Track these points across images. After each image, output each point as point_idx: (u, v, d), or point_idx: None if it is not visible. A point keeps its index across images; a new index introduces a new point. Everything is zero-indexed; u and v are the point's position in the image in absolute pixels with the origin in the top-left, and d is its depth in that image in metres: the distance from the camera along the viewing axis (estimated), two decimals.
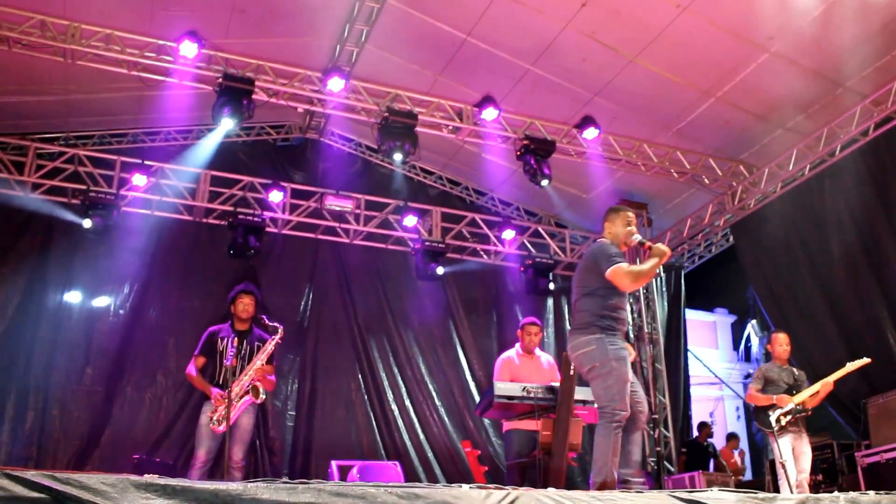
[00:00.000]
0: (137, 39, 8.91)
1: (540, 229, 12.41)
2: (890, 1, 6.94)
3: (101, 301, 10.28)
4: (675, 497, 3.82)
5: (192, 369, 7.21)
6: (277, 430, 10.45)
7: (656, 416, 11.51)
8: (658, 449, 11.01)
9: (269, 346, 7.21)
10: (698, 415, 14.35)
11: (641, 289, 12.17)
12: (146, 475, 3.21)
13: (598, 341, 5.26)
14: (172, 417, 9.87)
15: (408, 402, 11.14)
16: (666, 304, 12.71)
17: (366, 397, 11.05)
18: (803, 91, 9.41)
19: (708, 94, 9.68)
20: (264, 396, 7.19)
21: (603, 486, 5.07)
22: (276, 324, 7.18)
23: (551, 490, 3.71)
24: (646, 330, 12.17)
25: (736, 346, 22.93)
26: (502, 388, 6.07)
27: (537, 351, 7.69)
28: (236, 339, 7.10)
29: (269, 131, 12.12)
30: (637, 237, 5.54)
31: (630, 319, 11.88)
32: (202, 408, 7.09)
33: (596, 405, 5.35)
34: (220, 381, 7.04)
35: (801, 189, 10.40)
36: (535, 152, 9.95)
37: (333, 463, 8.43)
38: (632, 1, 8.48)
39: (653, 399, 11.48)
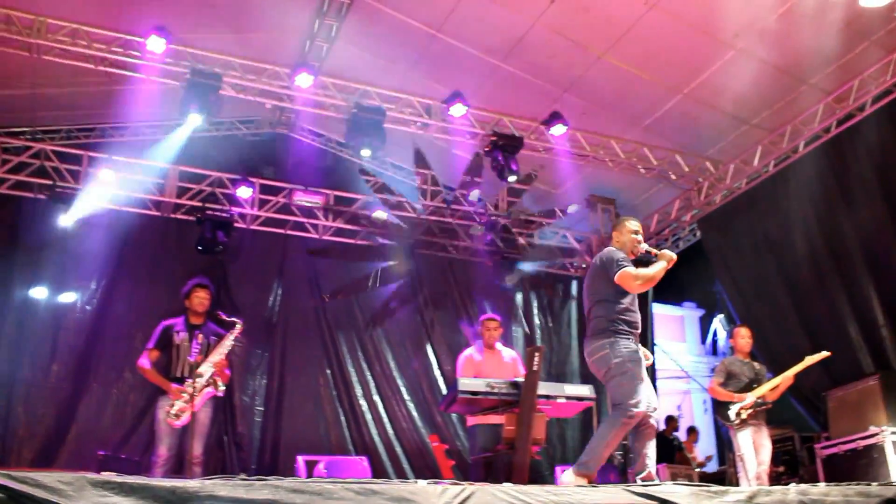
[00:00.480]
0: (104, 34, 8.86)
1: (508, 225, 12.43)
2: (851, 0, 7.06)
3: (68, 297, 10.16)
4: (629, 491, 3.89)
5: (145, 362, 7.18)
6: (245, 426, 10.41)
7: None
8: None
9: (228, 342, 7.22)
10: (666, 408, 14.50)
11: None
12: (103, 473, 3.23)
13: (611, 345, 5.42)
14: (139, 413, 9.79)
15: (376, 397, 11.14)
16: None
17: (334, 392, 11.02)
18: (768, 88, 9.50)
19: (675, 91, 9.76)
20: (224, 388, 7.19)
21: (583, 468, 5.17)
22: (234, 318, 7.19)
23: (507, 485, 3.76)
24: None
25: (703, 340, 23.19)
26: (466, 383, 6.10)
27: (498, 345, 7.76)
28: (200, 334, 7.10)
29: (238, 126, 12.06)
30: (644, 246, 5.73)
31: None
32: (157, 403, 7.07)
33: (612, 403, 5.42)
34: (178, 375, 7.03)
35: (766, 184, 10.54)
36: (503, 148, 10.00)
37: (300, 458, 8.42)
38: None
39: None
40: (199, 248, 10.31)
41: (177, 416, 6.86)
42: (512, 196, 11.88)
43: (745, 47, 8.87)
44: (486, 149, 10.12)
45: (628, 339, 5.45)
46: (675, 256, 5.63)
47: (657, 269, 5.55)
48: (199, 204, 10.58)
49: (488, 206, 11.62)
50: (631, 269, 5.47)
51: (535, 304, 12.69)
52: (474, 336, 7.88)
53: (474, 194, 11.39)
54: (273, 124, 12.14)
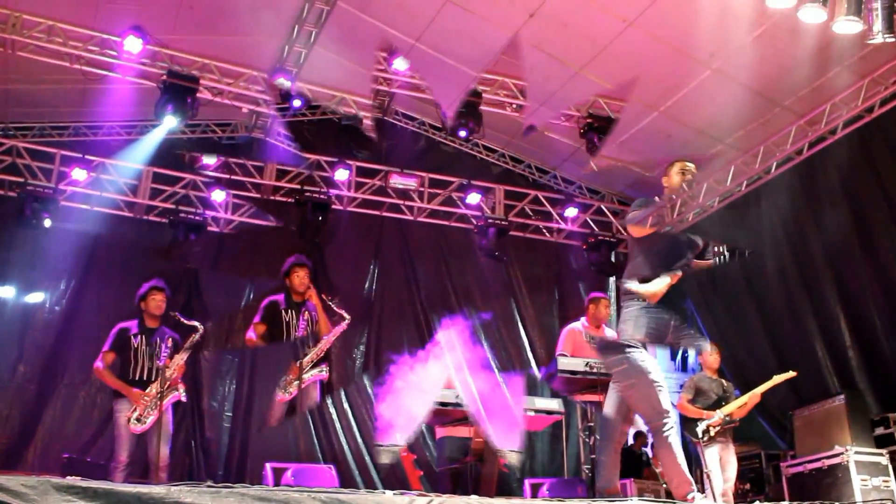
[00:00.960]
0: (81, 32, 8.81)
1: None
2: (824, 26, 7.16)
3: (36, 297, 10.02)
4: None
5: (100, 364, 7.09)
6: (214, 431, 10.31)
7: (592, 424, 11.60)
8: (593, 456, 11.08)
9: (189, 345, 7.18)
10: (635, 423, 14.50)
11: None
12: (68, 476, 3.19)
13: (627, 359, 5.49)
14: (107, 416, 9.56)
15: (346, 405, 11.08)
16: None
17: None
18: (742, 108, 9.57)
19: (651, 108, 9.83)
20: (185, 394, 7.16)
21: (683, 497, 5.14)
22: (194, 322, 7.15)
23: (473, 498, 3.76)
24: None
25: (673, 357, 23.23)
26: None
27: None
28: (170, 339, 7.04)
29: (214, 129, 11.97)
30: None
31: None
32: (115, 407, 6.97)
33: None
34: (135, 379, 6.96)
35: (739, 204, 10.64)
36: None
37: (268, 465, 8.37)
38: (578, 14, 8.59)
39: (588, 407, 11.56)
40: (172, 250, 10.23)
41: (139, 420, 6.78)
42: (509, 199, 11.90)
43: (721, 68, 8.95)
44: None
45: (639, 350, 5.52)
46: (679, 273, 5.66)
47: (661, 285, 5.58)
48: (173, 206, 10.51)
49: (485, 208, 11.58)
50: (633, 285, 5.52)
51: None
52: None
53: (473, 197, 11.35)
54: (250, 128, 12.06)
